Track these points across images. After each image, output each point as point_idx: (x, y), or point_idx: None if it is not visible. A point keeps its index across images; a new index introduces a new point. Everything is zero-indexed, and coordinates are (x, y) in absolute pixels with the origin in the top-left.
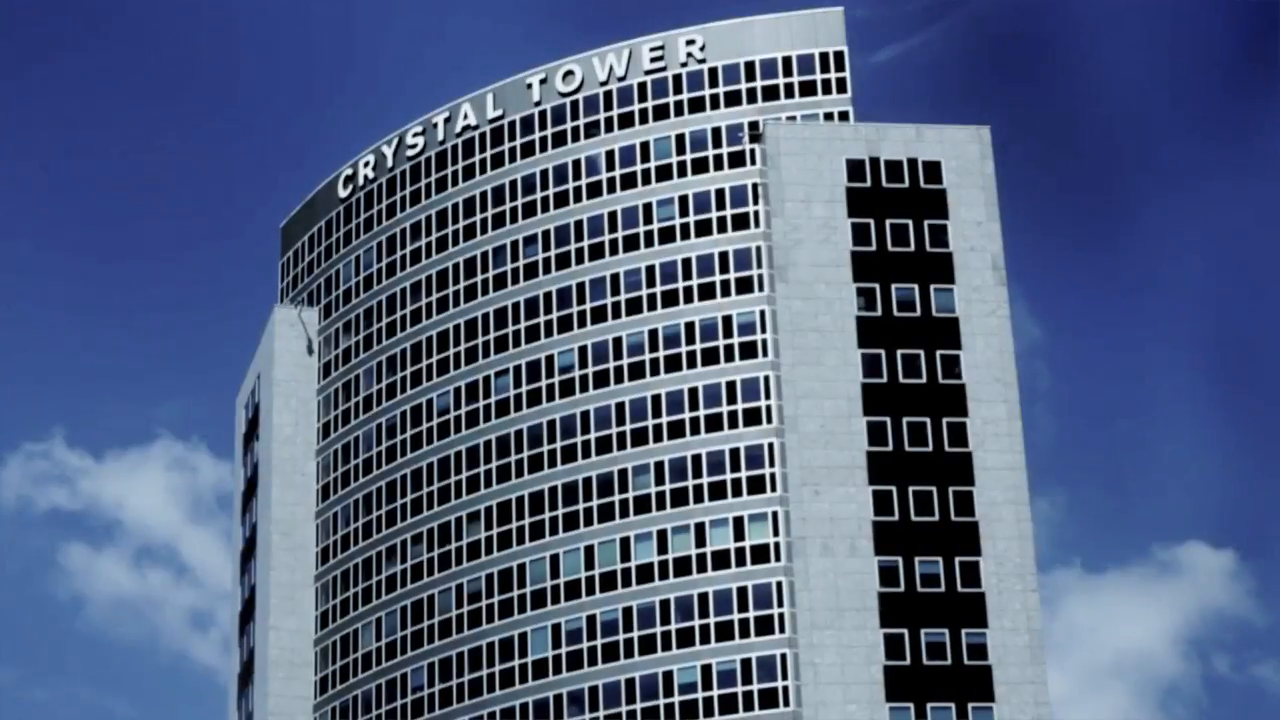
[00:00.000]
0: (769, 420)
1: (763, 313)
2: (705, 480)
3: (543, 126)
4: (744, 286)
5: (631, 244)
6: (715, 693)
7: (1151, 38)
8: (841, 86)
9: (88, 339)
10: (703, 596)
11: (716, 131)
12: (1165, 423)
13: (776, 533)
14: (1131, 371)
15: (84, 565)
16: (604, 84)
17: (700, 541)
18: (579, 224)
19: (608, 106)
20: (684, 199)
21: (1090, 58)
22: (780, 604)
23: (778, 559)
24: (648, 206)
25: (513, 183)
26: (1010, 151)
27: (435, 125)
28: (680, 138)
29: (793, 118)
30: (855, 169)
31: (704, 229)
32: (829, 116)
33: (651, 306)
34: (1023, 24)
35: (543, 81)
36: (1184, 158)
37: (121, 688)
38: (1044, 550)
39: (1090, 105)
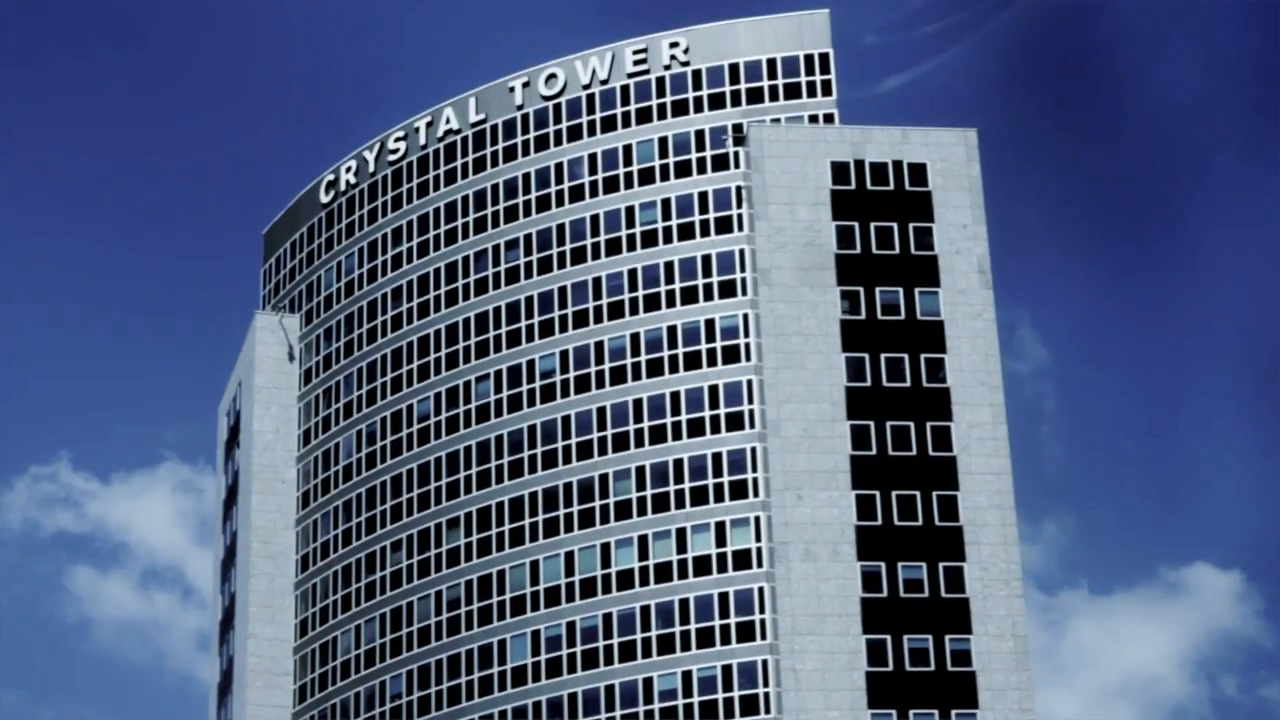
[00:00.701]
0: (751, 425)
1: (746, 316)
2: (687, 485)
3: (525, 130)
4: (727, 290)
5: (614, 248)
6: (695, 699)
7: (1173, 55)
8: (827, 89)
9: (91, 360)
10: (684, 602)
11: (700, 134)
12: (1171, 444)
13: (758, 538)
14: (1137, 393)
15: (90, 588)
16: (587, 87)
17: (681, 547)
18: (561, 228)
19: (590, 110)
20: (667, 202)
21: (1111, 77)
22: (762, 610)
23: (759, 564)
24: (630, 210)
25: (494, 187)
26: (1021, 171)
27: (417, 129)
28: (663, 141)
29: (777, 120)
30: (840, 171)
31: (687, 232)
32: (814, 119)
33: (634, 310)
34: (1036, 46)
35: (525, 85)
36: (1207, 177)
37: (128, 710)
38: (1051, 572)
39: (1109, 124)
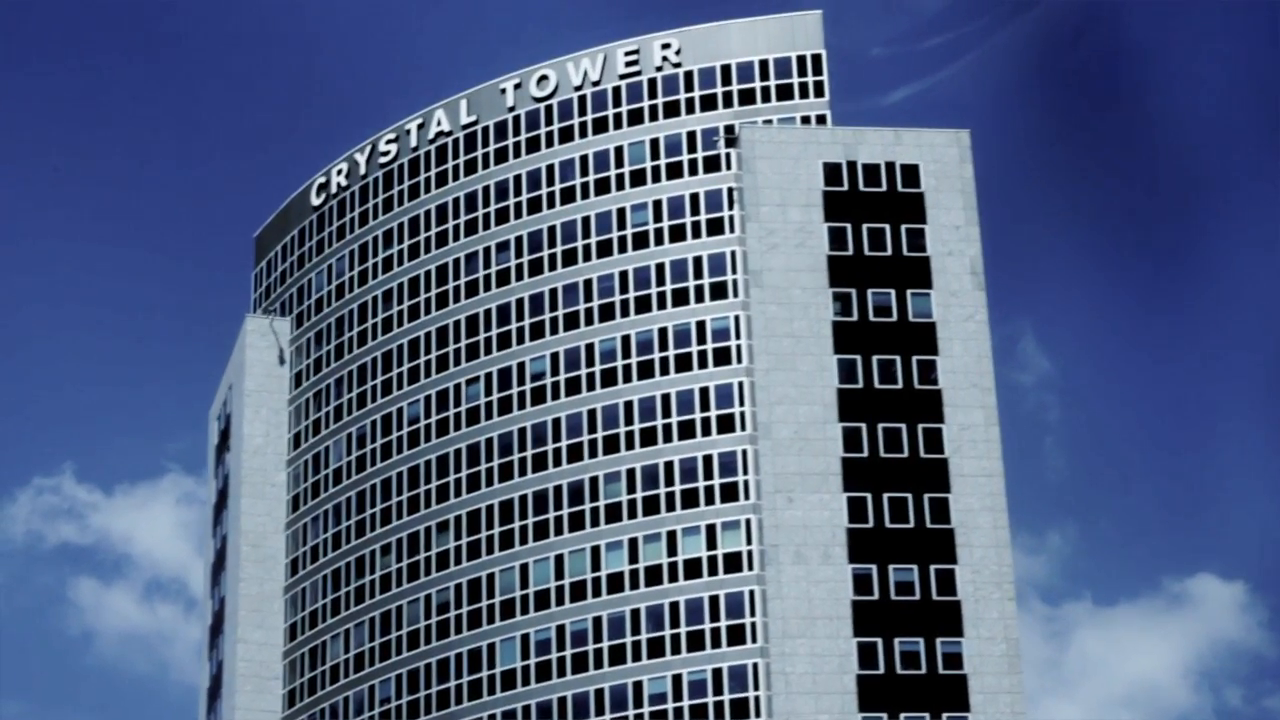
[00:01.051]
0: (742, 427)
1: (737, 318)
2: (677, 488)
3: (516, 132)
4: (718, 292)
5: (605, 249)
6: (686, 703)
7: (1191, 69)
8: (819, 90)
9: (93, 370)
10: (674, 606)
11: (691, 136)
12: (1174, 455)
13: (749, 541)
14: (1140, 404)
15: (94, 600)
16: (578, 88)
17: (672, 550)
18: (552, 230)
19: (582, 111)
20: (658, 204)
21: (1127, 90)
22: (752, 613)
23: (750, 567)
24: (621, 211)
25: (485, 189)
26: (1028, 182)
27: (408, 132)
28: (655, 142)
29: (769, 121)
30: (832, 172)
31: (678, 234)
32: (806, 120)
33: (625, 312)
34: (1048, 56)
35: (517, 86)
36: (1217, 191)
37: None
38: (1055, 583)
39: (1121, 138)
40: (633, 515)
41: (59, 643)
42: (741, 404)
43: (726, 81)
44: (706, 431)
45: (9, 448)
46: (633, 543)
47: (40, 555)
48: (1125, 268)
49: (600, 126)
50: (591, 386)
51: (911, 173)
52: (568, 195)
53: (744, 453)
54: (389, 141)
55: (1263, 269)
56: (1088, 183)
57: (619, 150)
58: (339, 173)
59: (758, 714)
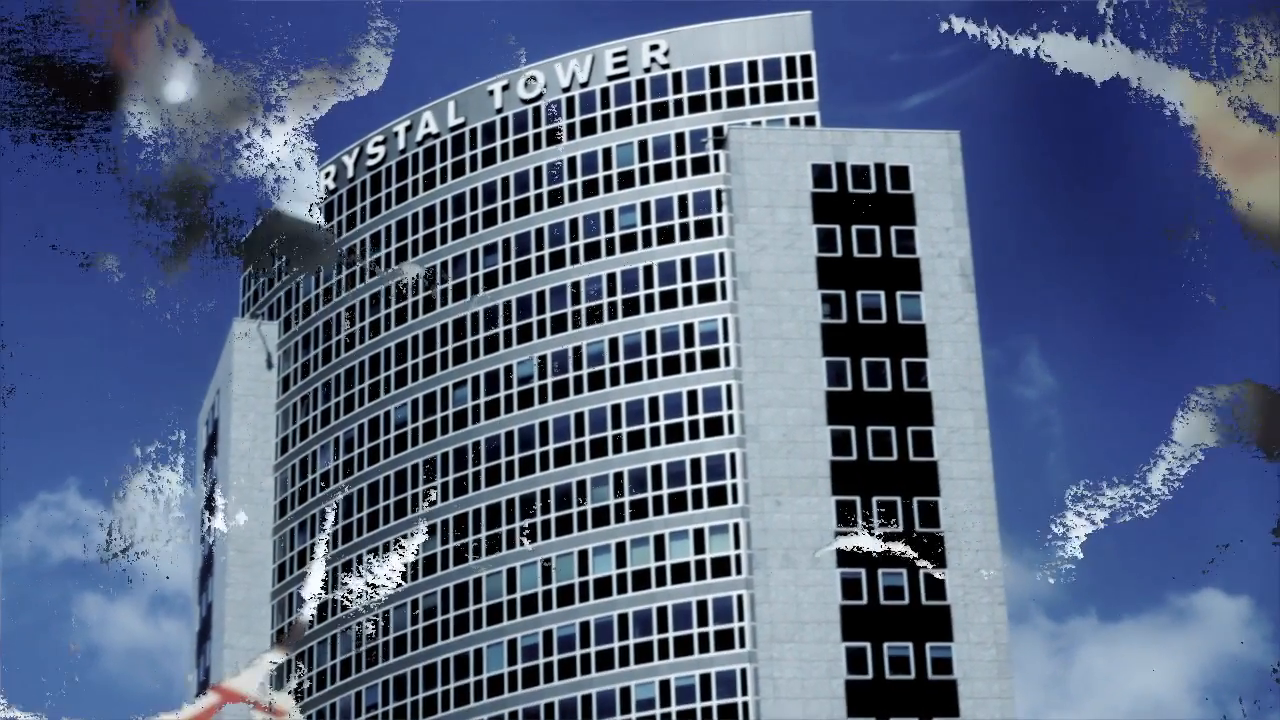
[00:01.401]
0: (731, 430)
1: (725, 321)
2: (665, 492)
3: (504, 134)
4: (706, 294)
5: (593, 252)
6: (674, 708)
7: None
8: (808, 91)
9: (96, 384)
10: (662, 610)
11: (680, 137)
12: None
13: (737, 545)
14: (1145, 418)
15: (98, 616)
16: (566, 90)
17: (660, 554)
18: (540, 232)
19: (570, 113)
20: (646, 206)
21: (1135, 108)
22: (741, 618)
23: (739, 572)
24: (609, 213)
25: (473, 191)
26: (1035, 196)
27: (396, 134)
28: (643, 144)
29: (758, 123)
30: (821, 174)
31: (666, 236)
32: (795, 121)
33: (612, 315)
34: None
35: (505, 88)
36: (1222, 213)
37: None
38: (1060, 599)
39: (1129, 155)
40: (620, 519)
41: (64, 659)
42: (730, 407)
43: (715, 83)
44: (695, 434)
45: (13, 463)
46: (620, 547)
47: (45, 571)
48: (1127, 281)
49: (588, 128)
50: (579, 389)
51: (901, 174)
52: (556, 197)
53: (732, 456)
54: (376, 144)
55: (1263, 284)
56: (1097, 199)
57: (607, 152)
58: (326, 175)
59: (746, 719)
